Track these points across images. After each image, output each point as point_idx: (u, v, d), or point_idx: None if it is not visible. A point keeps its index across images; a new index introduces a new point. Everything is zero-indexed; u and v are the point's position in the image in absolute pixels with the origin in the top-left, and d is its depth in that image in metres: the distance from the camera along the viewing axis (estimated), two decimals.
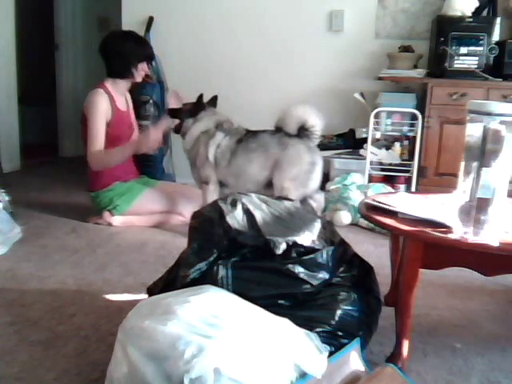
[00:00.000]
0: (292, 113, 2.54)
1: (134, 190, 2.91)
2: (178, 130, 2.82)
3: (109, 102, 2.85)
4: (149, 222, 2.91)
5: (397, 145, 3.38)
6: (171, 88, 3.92)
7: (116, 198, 2.86)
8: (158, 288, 1.54)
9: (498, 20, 3.23)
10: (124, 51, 2.88)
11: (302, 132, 2.54)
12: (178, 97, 2.96)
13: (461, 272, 1.50)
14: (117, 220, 2.88)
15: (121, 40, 2.94)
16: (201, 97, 2.79)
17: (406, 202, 1.61)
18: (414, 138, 3.24)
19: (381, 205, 1.55)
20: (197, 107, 2.77)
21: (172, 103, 2.94)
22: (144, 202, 2.89)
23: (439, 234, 1.33)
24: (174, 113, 2.87)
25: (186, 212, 2.81)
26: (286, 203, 1.61)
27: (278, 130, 2.59)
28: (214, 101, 2.87)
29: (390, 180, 3.34)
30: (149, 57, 3.01)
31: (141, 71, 2.95)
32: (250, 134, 2.68)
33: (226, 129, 2.71)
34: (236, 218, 1.45)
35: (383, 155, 3.36)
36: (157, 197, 2.94)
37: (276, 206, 1.56)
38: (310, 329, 1.30)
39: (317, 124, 2.55)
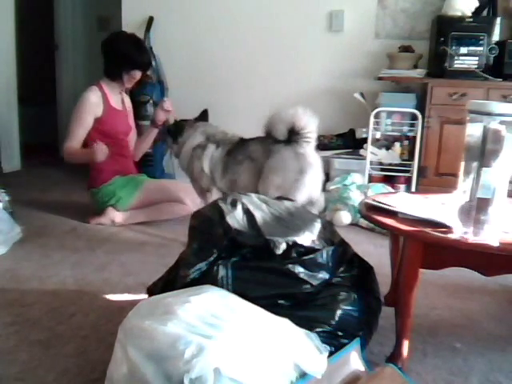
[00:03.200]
0: (280, 116, 2.27)
1: (134, 181, 2.94)
2: (176, 154, 2.72)
3: (101, 99, 2.89)
4: (152, 215, 2.91)
5: (397, 145, 3.38)
6: (170, 88, 3.93)
7: (118, 191, 2.88)
8: (157, 288, 1.54)
9: (498, 20, 3.23)
10: (120, 54, 2.88)
11: (292, 137, 2.23)
12: (167, 109, 2.87)
13: (461, 272, 1.50)
14: (120, 216, 2.88)
15: (121, 42, 2.93)
16: (181, 122, 2.71)
17: (406, 201, 1.61)
18: (414, 137, 3.24)
19: (381, 205, 1.55)
20: (181, 127, 2.68)
21: (159, 114, 2.89)
22: (146, 192, 2.90)
23: (439, 234, 1.33)
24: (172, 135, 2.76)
25: (187, 200, 2.85)
26: (286, 203, 1.61)
27: (268, 136, 2.33)
28: (204, 114, 2.75)
29: (390, 180, 3.34)
30: (144, 66, 2.98)
31: (132, 78, 2.95)
32: (240, 144, 2.53)
33: (218, 140, 2.58)
34: (236, 218, 1.45)
35: (383, 155, 3.36)
36: (158, 186, 2.96)
37: (276, 206, 1.56)
38: (310, 329, 1.30)
39: (308, 126, 2.21)
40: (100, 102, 2.88)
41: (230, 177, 2.48)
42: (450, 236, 1.32)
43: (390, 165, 3.33)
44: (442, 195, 1.73)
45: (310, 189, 2.25)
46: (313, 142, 2.26)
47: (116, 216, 2.88)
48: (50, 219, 2.95)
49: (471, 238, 1.30)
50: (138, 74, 2.95)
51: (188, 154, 2.61)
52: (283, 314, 1.30)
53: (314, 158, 2.27)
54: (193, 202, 2.80)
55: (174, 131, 2.68)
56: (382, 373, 1.31)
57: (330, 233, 1.54)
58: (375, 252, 2.47)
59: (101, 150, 2.72)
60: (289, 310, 1.34)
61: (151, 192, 2.92)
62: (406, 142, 3.38)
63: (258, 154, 2.37)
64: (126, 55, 2.86)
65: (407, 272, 1.44)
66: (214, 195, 2.58)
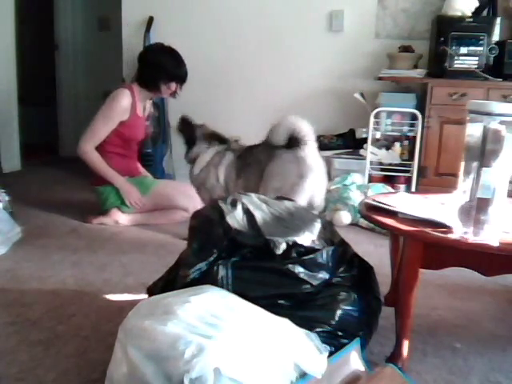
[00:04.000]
0: (280, 124, 2.34)
1: (143, 185, 2.94)
2: (191, 159, 2.66)
3: (130, 103, 2.89)
4: (155, 220, 2.92)
5: (397, 145, 3.38)
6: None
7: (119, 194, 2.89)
8: (157, 288, 1.54)
9: (498, 20, 3.23)
10: (161, 65, 2.90)
11: (292, 142, 2.27)
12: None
13: (461, 272, 1.50)
14: (124, 218, 2.90)
15: (162, 54, 2.96)
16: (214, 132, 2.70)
17: (406, 202, 1.61)
18: (414, 137, 3.24)
19: (381, 205, 1.55)
20: (210, 135, 2.66)
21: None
22: (152, 197, 2.91)
23: (439, 234, 1.33)
24: (186, 139, 2.73)
25: (191, 208, 2.83)
26: (287, 203, 1.61)
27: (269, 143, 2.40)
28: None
29: (390, 180, 3.34)
30: (182, 79, 2.99)
31: (168, 90, 2.97)
32: (248, 149, 2.55)
33: (235, 149, 2.60)
34: (236, 218, 1.45)
35: (383, 155, 3.36)
36: (164, 193, 2.96)
37: (276, 206, 1.56)
38: (310, 329, 1.30)
39: (305, 130, 2.25)
40: (129, 107, 2.89)
41: (242, 182, 2.47)
42: (450, 236, 1.32)
43: (390, 165, 3.33)
44: (442, 195, 1.73)
45: (309, 193, 2.24)
46: (313, 146, 2.27)
47: (120, 218, 2.89)
48: (50, 219, 2.95)
49: (471, 238, 1.30)
50: (174, 86, 2.98)
51: (206, 161, 2.59)
52: (283, 314, 1.30)
53: (315, 163, 2.26)
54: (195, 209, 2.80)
55: (189, 138, 2.66)
56: (381, 373, 1.31)
57: (330, 233, 1.54)
58: (375, 252, 2.47)
59: (132, 195, 2.81)
60: (289, 310, 1.34)
61: (157, 198, 2.93)
62: (406, 142, 3.38)
63: (264, 158, 2.39)
64: (164, 66, 2.90)
65: (407, 272, 1.44)
66: None
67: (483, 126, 1.30)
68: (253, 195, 1.59)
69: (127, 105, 2.87)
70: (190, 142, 2.64)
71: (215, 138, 2.63)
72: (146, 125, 3.13)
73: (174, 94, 3.04)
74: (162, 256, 2.36)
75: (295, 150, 2.25)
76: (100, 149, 2.92)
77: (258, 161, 2.43)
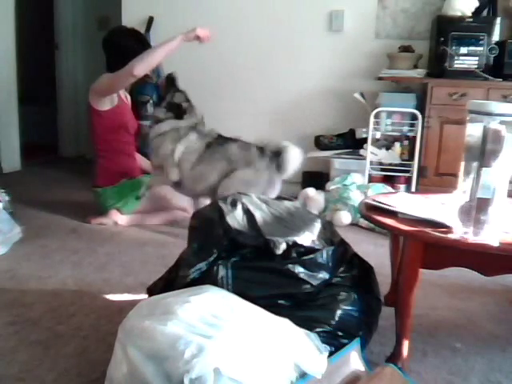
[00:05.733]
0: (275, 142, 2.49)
1: (142, 187, 2.93)
2: (153, 119, 2.73)
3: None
4: (154, 220, 2.92)
5: (397, 145, 3.37)
6: None
7: (124, 195, 2.88)
8: (157, 288, 1.54)
9: (498, 20, 3.22)
10: (122, 47, 2.88)
11: (275, 158, 2.47)
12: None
13: (461, 272, 1.50)
14: (123, 219, 2.89)
15: (122, 36, 2.95)
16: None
17: (406, 202, 1.61)
18: (414, 137, 3.24)
19: (381, 205, 1.55)
20: (176, 105, 2.71)
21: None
22: (152, 199, 2.91)
23: (439, 234, 1.33)
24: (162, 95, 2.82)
25: (188, 207, 2.86)
26: (286, 203, 1.61)
27: (257, 147, 2.54)
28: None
29: (390, 180, 3.33)
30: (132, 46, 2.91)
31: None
32: (220, 141, 2.62)
33: (203, 133, 2.66)
34: (236, 218, 1.45)
35: (383, 155, 3.36)
36: (163, 194, 2.95)
37: (276, 206, 1.56)
38: (310, 329, 1.30)
39: (294, 165, 2.46)
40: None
41: (201, 169, 2.56)
42: (450, 236, 1.32)
43: (390, 165, 3.33)
44: (442, 195, 1.73)
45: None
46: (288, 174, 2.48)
47: (119, 219, 2.89)
48: (50, 219, 2.95)
49: (471, 238, 1.30)
50: None
51: (161, 131, 2.64)
52: (283, 314, 1.30)
53: (278, 187, 2.50)
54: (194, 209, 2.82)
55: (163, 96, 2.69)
56: (381, 373, 1.31)
57: (330, 233, 1.54)
58: (375, 252, 2.46)
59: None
60: (289, 310, 1.34)
61: (157, 199, 2.93)
62: (406, 142, 3.38)
63: (239, 159, 2.53)
64: (128, 48, 2.85)
65: (407, 272, 1.44)
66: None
67: (483, 126, 1.30)
68: (253, 195, 1.59)
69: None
70: (161, 100, 2.70)
71: (179, 112, 2.66)
72: (132, 113, 3.12)
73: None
74: (162, 256, 2.36)
75: (276, 172, 2.47)
76: (98, 150, 2.94)
77: (230, 159, 2.53)
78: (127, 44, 2.88)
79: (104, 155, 2.94)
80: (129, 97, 3.18)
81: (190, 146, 2.60)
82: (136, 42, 2.90)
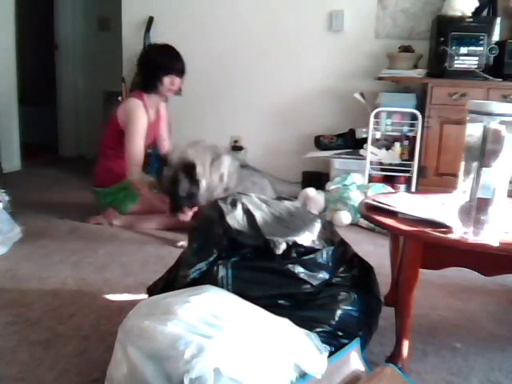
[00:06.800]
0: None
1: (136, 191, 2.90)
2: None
3: (145, 113, 2.88)
4: (149, 225, 2.88)
5: (397, 145, 3.37)
6: None
7: (122, 194, 2.88)
8: (157, 288, 1.54)
9: (498, 20, 3.23)
10: (156, 61, 2.87)
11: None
12: None
13: (461, 272, 1.50)
14: (118, 220, 2.89)
15: (151, 52, 2.95)
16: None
17: (406, 202, 1.61)
18: (414, 137, 3.24)
19: (381, 205, 1.55)
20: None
21: None
22: (149, 201, 2.88)
23: (439, 234, 1.33)
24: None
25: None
26: (286, 203, 1.61)
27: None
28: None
29: (390, 180, 3.34)
30: (179, 71, 2.90)
31: (168, 85, 2.89)
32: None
33: None
34: (236, 218, 1.45)
35: (383, 155, 3.36)
36: (160, 198, 2.93)
37: (276, 206, 1.56)
38: (310, 329, 1.30)
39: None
40: (146, 117, 2.89)
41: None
42: (450, 236, 1.32)
43: (390, 165, 3.33)
44: (442, 195, 1.73)
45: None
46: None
47: (114, 218, 2.88)
48: (50, 219, 2.95)
49: (471, 238, 1.30)
50: (175, 80, 2.90)
51: None
52: (283, 314, 1.30)
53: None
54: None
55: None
56: (381, 373, 1.31)
57: (330, 233, 1.54)
58: (375, 252, 2.46)
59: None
60: (289, 310, 1.34)
61: (154, 202, 2.88)
62: (406, 142, 3.39)
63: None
64: (157, 62, 2.85)
65: (407, 272, 1.43)
66: None
67: (483, 126, 1.29)
68: (253, 195, 1.59)
69: (145, 116, 2.86)
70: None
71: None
72: (157, 127, 3.08)
73: (178, 91, 3.02)
74: (162, 256, 2.36)
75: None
76: (104, 151, 2.95)
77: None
78: (152, 60, 2.88)
79: (109, 157, 2.93)
80: (163, 106, 3.12)
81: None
82: (166, 58, 2.88)
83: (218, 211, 1.48)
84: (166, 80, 2.88)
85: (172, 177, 2.37)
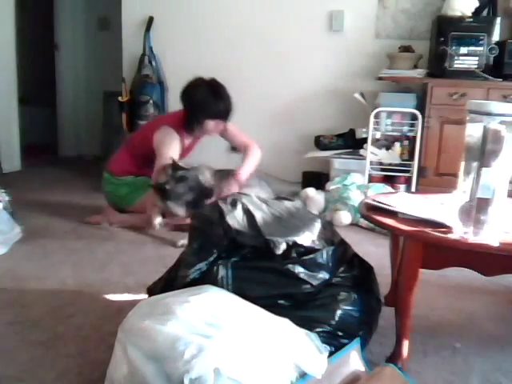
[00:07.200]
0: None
1: (141, 186, 2.87)
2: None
3: (179, 143, 2.80)
4: (146, 222, 2.87)
5: (397, 145, 3.37)
6: (170, 88, 3.93)
7: (126, 188, 2.90)
8: (157, 288, 1.54)
9: (498, 20, 3.22)
10: (195, 103, 2.73)
11: None
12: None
13: (461, 272, 1.50)
14: (117, 217, 2.89)
15: (198, 90, 2.75)
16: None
17: (406, 201, 1.61)
18: (414, 138, 3.24)
19: (381, 205, 1.55)
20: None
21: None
22: (150, 197, 2.86)
23: (439, 234, 1.33)
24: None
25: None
26: (286, 203, 1.61)
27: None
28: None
29: (390, 180, 3.33)
30: (223, 115, 2.76)
31: (211, 129, 2.79)
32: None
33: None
34: (236, 218, 1.45)
35: (383, 155, 3.36)
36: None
37: (276, 206, 1.56)
38: (310, 329, 1.30)
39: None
40: (178, 146, 2.79)
41: None
42: (450, 236, 1.32)
43: (390, 165, 3.33)
44: (442, 195, 1.73)
45: None
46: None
47: (113, 217, 2.89)
48: (50, 219, 2.95)
49: (471, 238, 1.30)
50: (217, 124, 2.80)
51: None
52: (283, 314, 1.30)
53: None
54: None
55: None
56: (381, 373, 1.31)
57: (330, 233, 1.54)
58: (375, 252, 2.46)
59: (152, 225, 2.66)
60: (289, 310, 1.34)
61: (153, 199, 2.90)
62: (406, 142, 3.38)
63: None
64: (203, 105, 2.69)
65: (407, 272, 1.43)
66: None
67: (483, 126, 1.29)
68: (253, 195, 1.59)
69: (178, 147, 2.77)
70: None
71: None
72: (194, 145, 3.04)
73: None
74: (162, 256, 2.36)
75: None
76: (130, 146, 2.96)
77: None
78: (203, 101, 2.71)
79: (132, 154, 2.93)
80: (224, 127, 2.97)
81: None
82: (214, 101, 2.73)
83: (218, 211, 1.48)
84: (211, 124, 2.78)
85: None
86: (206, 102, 2.72)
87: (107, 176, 2.97)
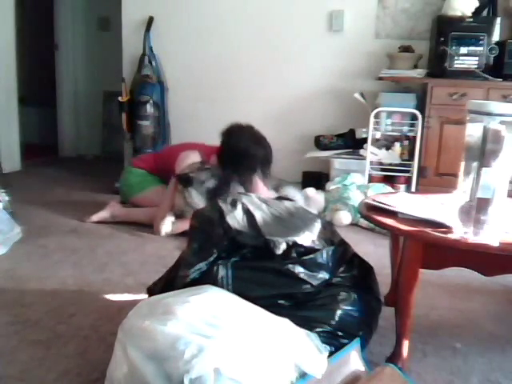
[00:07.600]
0: None
1: (152, 181, 3.05)
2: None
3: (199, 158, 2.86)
4: (149, 218, 2.88)
5: (397, 145, 3.38)
6: (170, 88, 3.93)
7: (138, 177, 3.05)
8: (157, 288, 1.54)
9: (498, 20, 3.23)
10: (238, 149, 2.68)
11: None
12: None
13: (461, 272, 1.50)
14: (122, 211, 2.94)
15: (238, 138, 2.72)
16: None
17: (406, 202, 1.61)
18: (414, 137, 3.24)
19: (381, 205, 1.55)
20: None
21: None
22: (154, 192, 2.98)
23: (439, 234, 1.33)
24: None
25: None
26: (286, 203, 1.61)
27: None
28: None
29: (390, 180, 3.34)
30: (268, 172, 2.72)
31: (255, 187, 2.67)
32: None
33: None
34: (236, 218, 1.45)
35: (383, 155, 3.36)
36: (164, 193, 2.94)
37: (276, 206, 1.56)
38: (310, 329, 1.30)
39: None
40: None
41: None
42: (450, 236, 1.32)
43: (390, 165, 3.33)
44: (442, 195, 1.73)
45: None
46: None
47: (116, 209, 2.93)
48: (50, 219, 2.95)
49: (471, 238, 1.30)
50: (265, 183, 2.74)
51: None
52: (283, 314, 1.30)
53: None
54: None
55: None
56: (381, 373, 1.31)
57: (330, 233, 1.54)
58: (375, 252, 2.46)
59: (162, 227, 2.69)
60: (289, 310, 1.34)
61: (157, 195, 2.92)
62: (406, 142, 3.39)
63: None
64: (243, 151, 2.66)
65: (407, 272, 1.43)
66: None
67: (483, 126, 1.29)
68: (253, 195, 1.59)
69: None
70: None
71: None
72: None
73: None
74: (162, 256, 2.36)
75: None
76: (160, 153, 3.20)
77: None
78: (242, 146, 2.67)
79: (158, 157, 3.15)
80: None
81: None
82: (253, 145, 2.69)
83: (218, 211, 1.48)
84: (259, 182, 2.71)
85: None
86: (250, 151, 2.67)
87: (126, 167, 3.16)
